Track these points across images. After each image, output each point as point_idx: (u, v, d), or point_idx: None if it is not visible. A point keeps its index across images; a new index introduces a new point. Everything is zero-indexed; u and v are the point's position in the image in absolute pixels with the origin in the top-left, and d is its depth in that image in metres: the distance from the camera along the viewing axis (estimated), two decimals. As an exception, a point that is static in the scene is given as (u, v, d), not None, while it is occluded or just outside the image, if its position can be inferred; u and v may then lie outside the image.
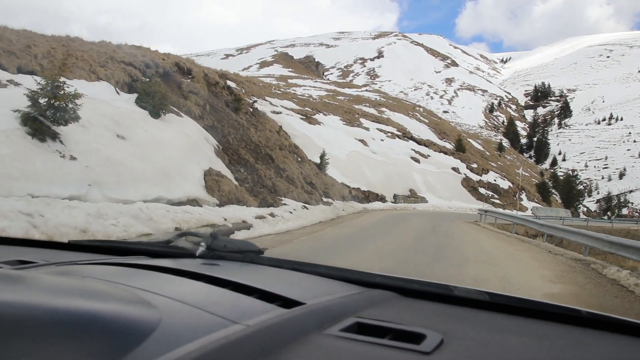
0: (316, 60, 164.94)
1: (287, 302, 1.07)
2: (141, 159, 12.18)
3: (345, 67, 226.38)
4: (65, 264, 1.41)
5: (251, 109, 30.81)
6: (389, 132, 50.70)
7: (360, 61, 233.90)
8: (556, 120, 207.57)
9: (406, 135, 52.27)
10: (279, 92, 48.23)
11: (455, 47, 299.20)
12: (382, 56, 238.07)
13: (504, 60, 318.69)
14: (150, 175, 11.85)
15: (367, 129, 49.31)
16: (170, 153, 13.59)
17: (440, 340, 0.91)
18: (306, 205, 18.82)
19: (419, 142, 52.60)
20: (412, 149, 49.22)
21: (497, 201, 49.79)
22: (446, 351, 0.88)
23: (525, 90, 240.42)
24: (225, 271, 1.42)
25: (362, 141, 44.77)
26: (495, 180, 53.11)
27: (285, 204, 17.42)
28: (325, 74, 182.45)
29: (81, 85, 13.72)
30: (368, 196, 36.88)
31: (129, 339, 0.74)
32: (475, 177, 51.31)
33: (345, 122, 48.33)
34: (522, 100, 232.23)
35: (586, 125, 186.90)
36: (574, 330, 1.09)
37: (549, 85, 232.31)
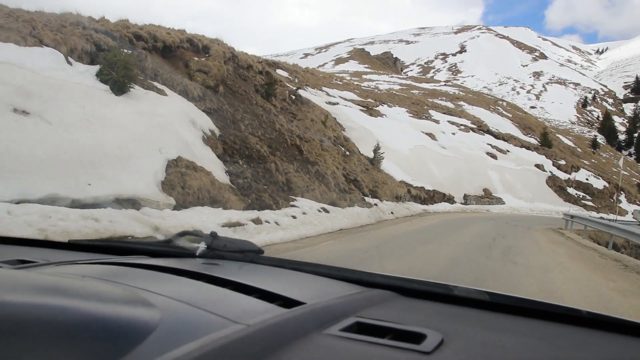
0: (394, 56, 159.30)
1: (287, 302, 1.05)
2: (53, 145, 8.55)
3: (425, 63, 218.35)
4: (65, 264, 1.40)
5: (293, 96, 26.97)
6: (462, 124, 45.29)
7: (441, 56, 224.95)
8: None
9: (482, 128, 46.55)
10: (339, 82, 44.33)
11: (544, 39, 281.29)
12: (465, 51, 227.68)
13: (600, 50, 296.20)
14: (54, 165, 8.16)
15: (436, 121, 44.21)
16: (113, 137, 9.94)
17: (440, 340, 0.90)
18: (327, 207, 14.65)
19: (497, 135, 46.69)
20: (488, 144, 43.53)
21: (590, 203, 43.06)
22: (446, 351, 0.87)
23: (625, 82, 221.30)
24: (226, 271, 1.42)
25: (429, 135, 39.80)
26: (587, 179, 46.18)
27: (295, 206, 13.37)
28: (404, 70, 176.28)
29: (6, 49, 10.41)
30: (433, 196, 32.05)
31: (129, 339, 0.73)
32: (563, 176, 44.73)
33: (412, 114, 43.51)
34: (621, 94, 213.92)
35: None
36: (575, 330, 1.07)
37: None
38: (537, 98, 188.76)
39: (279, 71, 35.55)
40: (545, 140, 50.91)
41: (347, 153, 25.84)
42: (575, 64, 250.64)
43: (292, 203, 13.57)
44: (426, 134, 39.92)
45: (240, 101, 18.71)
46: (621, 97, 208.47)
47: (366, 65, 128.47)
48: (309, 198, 15.04)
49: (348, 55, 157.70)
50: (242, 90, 19.82)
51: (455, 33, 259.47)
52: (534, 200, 39.00)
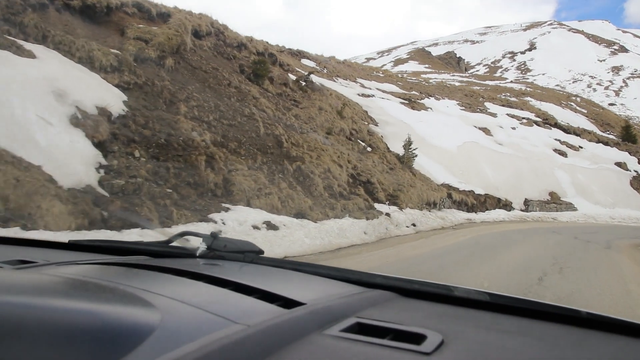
0: (458, 55, 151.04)
1: (287, 303, 1.05)
2: None
3: (492, 62, 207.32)
4: (65, 264, 1.40)
5: (303, 82, 21.99)
6: (524, 118, 38.64)
7: (509, 55, 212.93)
8: None
9: (548, 122, 39.64)
10: (380, 75, 39.05)
11: (624, 32, 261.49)
12: (535, 48, 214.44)
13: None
14: None
15: (493, 114, 37.85)
16: None
17: (440, 341, 0.89)
18: (283, 220, 9.57)
19: (567, 129, 39.60)
20: (556, 139, 36.66)
21: None
22: (446, 351, 0.86)
23: None
24: (226, 271, 1.42)
25: (483, 130, 33.61)
26: (681, 180, 38.17)
27: (213, 220, 8.36)
28: (469, 70, 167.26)
29: None
30: (484, 202, 26.06)
31: (130, 339, 0.73)
32: (651, 176, 37.04)
33: (463, 107, 37.44)
34: None
35: None
36: (574, 331, 1.07)
37: None
38: (617, 94, 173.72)
39: (305, 61, 30.68)
40: (628, 134, 43.04)
41: (369, 149, 20.53)
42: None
43: (211, 215, 8.55)
44: (480, 128, 33.75)
45: (201, 80, 13.91)
46: None
47: (426, 66, 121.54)
48: (259, 206, 9.99)
49: (408, 56, 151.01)
50: (209, 67, 15.00)
51: (524, 30, 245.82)
52: (615, 206, 31.89)
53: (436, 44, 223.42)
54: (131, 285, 1.06)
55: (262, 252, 1.75)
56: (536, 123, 38.36)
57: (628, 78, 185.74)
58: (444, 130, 31.47)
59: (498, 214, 25.38)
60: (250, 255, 1.68)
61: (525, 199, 28.42)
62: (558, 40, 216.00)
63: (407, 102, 33.70)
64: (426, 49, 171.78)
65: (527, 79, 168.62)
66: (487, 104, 39.99)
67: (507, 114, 38.70)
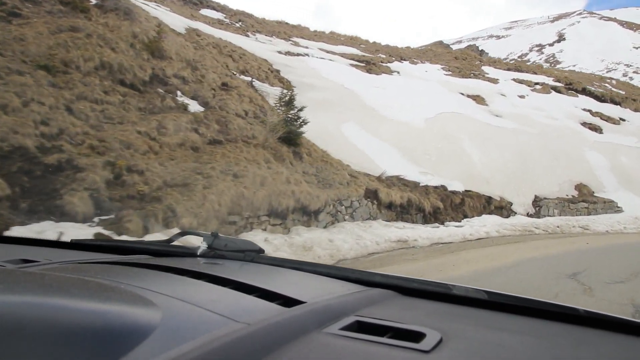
0: (480, 49, 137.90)
1: (287, 301, 1.03)
2: None
3: (519, 57, 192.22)
4: (67, 263, 1.38)
5: None
6: (537, 83, 26.98)
7: (536, 48, 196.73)
8: None
9: (573, 87, 27.81)
10: (340, 39, 28.27)
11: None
12: (564, 39, 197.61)
13: None
14: None
15: (493, 80, 26.41)
16: None
17: (439, 339, 0.88)
18: None
19: (602, 97, 27.62)
20: (585, 109, 24.89)
21: None
22: (445, 350, 0.85)
23: None
24: (226, 270, 1.39)
25: (475, 98, 22.30)
26: None
27: None
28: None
29: None
30: (461, 203, 14.99)
31: (131, 337, 0.72)
32: None
33: (450, 72, 26.11)
34: None
35: None
36: (573, 329, 1.05)
37: None
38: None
39: (205, 11, 20.08)
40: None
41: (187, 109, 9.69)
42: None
43: None
44: (469, 97, 22.43)
45: None
46: None
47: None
48: None
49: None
50: None
51: (552, 22, 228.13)
52: (681, 202, 20.05)
53: (460, 42, 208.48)
54: (132, 284, 1.04)
55: (262, 251, 1.70)
56: (555, 89, 26.65)
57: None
58: (413, 99, 20.35)
59: (483, 223, 14.16)
60: (251, 254, 1.63)
61: (536, 196, 16.99)
62: (588, 30, 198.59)
63: (362, 64, 22.69)
64: (442, 41, 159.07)
65: (557, 71, 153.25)
66: (485, 68, 28.54)
67: (514, 79, 27.13)
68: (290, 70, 19.11)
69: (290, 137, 11.52)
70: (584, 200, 17.63)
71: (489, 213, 15.60)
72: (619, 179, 19.65)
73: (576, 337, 1.02)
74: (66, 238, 4.92)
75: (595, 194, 18.45)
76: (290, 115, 11.72)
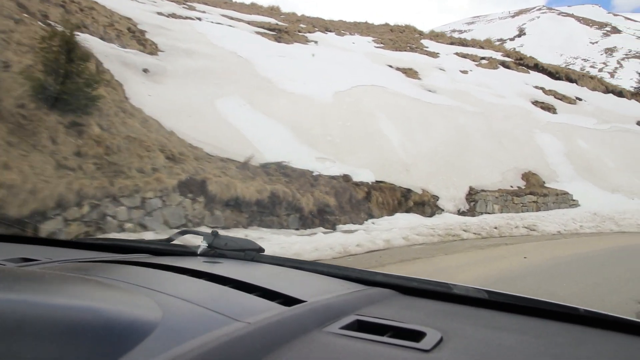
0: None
1: (287, 300, 1.01)
2: None
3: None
4: (67, 262, 1.37)
5: None
6: (483, 58, 23.13)
7: (497, 42, 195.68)
8: None
9: (524, 63, 24.05)
10: (260, 8, 24.08)
11: (615, 15, 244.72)
12: (524, 34, 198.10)
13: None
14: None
15: (432, 54, 22.50)
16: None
17: (439, 338, 0.87)
18: None
19: (557, 74, 23.93)
20: (537, 87, 21.12)
21: None
22: (445, 349, 0.84)
23: None
24: (227, 269, 1.36)
25: (406, 71, 18.29)
26: None
27: None
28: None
29: None
30: (366, 198, 10.76)
31: (131, 336, 0.71)
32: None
33: (381, 45, 22.04)
34: None
35: None
36: (572, 328, 1.04)
37: None
38: (612, 76, 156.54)
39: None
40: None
41: None
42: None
43: None
44: (399, 69, 18.37)
45: None
46: None
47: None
48: None
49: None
50: None
51: (513, 17, 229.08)
52: (649, 194, 16.43)
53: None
54: (133, 283, 1.03)
55: (262, 250, 1.65)
56: (503, 64, 22.82)
57: (622, 59, 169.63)
58: (326, 70, 16.21)
59: (391, 225, 10.28)
60: (251, 253, 1.58)
61: (471, 188, 13.04)
62: (548, 25, 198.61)
63: (272, 32, 18.44)
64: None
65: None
66: (425, 42, 24.60)
67: (457, 53, 23.22)
68: (164, 32, 14.75)
69: (70, 103, 7.17)
70: (532, 192, 13.76)
71: (406, 211, 11.58)
72: (576, 167, 15.89)
73: (576, 336, 1.00)
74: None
75: (546, 185, 14.63)
76: (71, 69, 7.33)
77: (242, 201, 8.23)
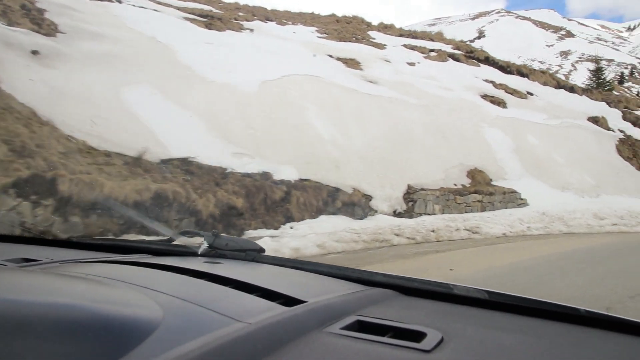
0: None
1: (288, 301, 1.01)
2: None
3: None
4: (68, 262, 1.36)
5: None
6: (432, 50, 21.98)
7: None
8: None
9: (474, 56, 23.03)
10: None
11: (569, 20, 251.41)
12: (484, 36, 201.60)
13: (631, 27, 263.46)
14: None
15: (379, 45, 21.21)
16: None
17: (440, 339, 0.86)
18: None
19: (508, 68, 22.97)
20: (487, 80, 20.06)
21: None
22: (446, 349, 0.83)
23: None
24: (227, 269, 1.34)
25: (347, 61, 16.90)
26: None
27: None
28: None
29: None
30: (285, 199, 9.23)
31: (132, 337, 0.70)
32: (647, 138, 20.93)
33: (325, 35, 20.62)
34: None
35: None
36: (573, 329, 1.03)
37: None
38: (567, 78, 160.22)
39: None
40: (600, 78, 27.06)
41: None
42: (606, 41, 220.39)
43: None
44: (339, 59, 16.96)
45: None
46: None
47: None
48: None
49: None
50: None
51: (473, 19, 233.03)
52: (600, 191, 15.51)
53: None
54: (134, 283, 1.02)
55: (263, 250, 1.63)
56: (453, 57, 21.68)
57: (576, 62, 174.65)
58: (257, 59, 14.64)
59: (311, 230, 8.82)
60: (252, 253, 1.57)
61: (410, 187, 11.70)
62: (506, 28, 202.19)
63: (202, 19, 16.77)
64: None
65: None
66: (373, 33, 23.29)
67: (405, 45, 21.97)
68: (70, 13, 12.94)
69: None
70: (477, 191, 12.52)
71: (333, 212, 10.14)
72: (525, 164, 14.79)
73: (577, 336, 1.00)
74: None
75: (493, 183, 13.44)
76: None
77: (114, 204, 6.58)
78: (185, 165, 9.25)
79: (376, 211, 10.74)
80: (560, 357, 0.87)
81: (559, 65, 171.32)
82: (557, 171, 15.29)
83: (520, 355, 0.86)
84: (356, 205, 10.56)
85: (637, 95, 40.29)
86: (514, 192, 13.24)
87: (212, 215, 8.22)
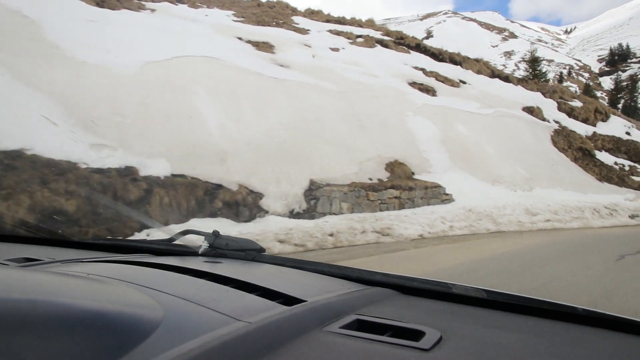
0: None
1: (288, 300, 1.01)
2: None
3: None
4: (70, 262, 1.32)
5: None
6: (360, 36, 20.36)
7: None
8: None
9: (405, 43, 21.58)
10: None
11: (512, 22, 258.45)
12: (432, 36, 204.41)
13: (568, 30, 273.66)
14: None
15: (302, 30, 19.46)
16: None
17: (439, 337, 0.86)
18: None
19: (440, 56, 21.61)
20: (417, 68, 18.59)
21: None
22: (445, 348, 0.83)
23: (599, 56, 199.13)
24: (228, 269, 1.31)
25: (258, 44, 14.95)
26: (629, 135, 21.39)
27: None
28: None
29: None
30: (143, 200, 7.09)
31: (133, 336, 0.71)
32: (583, 130, 20.01)
33: (241, 19, 18.64)
34: (596, 67, 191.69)
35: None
36: (571, 327, 1.03)
37: (627, 47, 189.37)
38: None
39: None
40: (536, 68, 26.23)
41: None
42: (546, 42, 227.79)
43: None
44: (250, 42, 15.02)
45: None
46: (596, 71, 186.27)
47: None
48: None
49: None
50: None
51: (421, 20, 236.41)
52: (533, 184, 14.19)
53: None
54: (134, 282, 1.01)
55: (263, 250, 1.62)
56: (381, 43, 20.12)
57: (520, 62, 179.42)
58: (149, 39, 12.53)
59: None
60: (252, 253, 1.55)
61: (312, 182, 9.88)
62: (453, 28, 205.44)
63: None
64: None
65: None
66: (297, 19, 21.49)
67: (330, 31, 20.26)
68: None
69: None
70: (395, 186, 10.83)
71: (212, 214, 8.25)
72: (453, 155, 13.26)
73: (574, 335, 0.99)
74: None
75: (415, 177, 11.80)
76: None
77: None
78: (10, 159, 7.10)
79: (267, 211, 8.86)
80: (558, 355, 0.86)
81: (503, 65, 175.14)
82: (488, 163, 13.85)
83: (518, 354, 0.85)
84: (241, 204, 8.64)
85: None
86: (438, 186, 11.64)
87: (25, 224, 6.13)
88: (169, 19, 15.15)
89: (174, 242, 1.69)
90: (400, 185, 10.88)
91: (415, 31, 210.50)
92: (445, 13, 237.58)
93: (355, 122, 12.38)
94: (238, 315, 0.84)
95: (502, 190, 12.84)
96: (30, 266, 1.22)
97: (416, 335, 0.86)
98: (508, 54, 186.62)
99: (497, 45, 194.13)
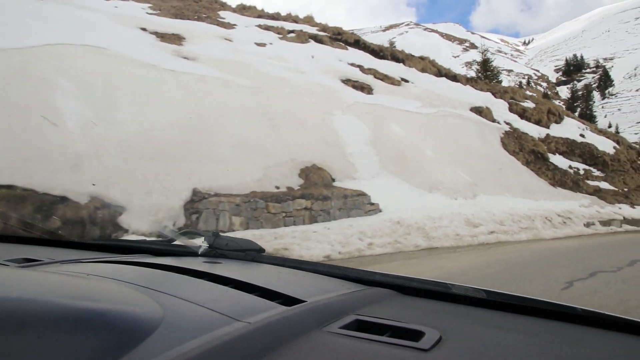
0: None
1: (287, 300, 1.00)
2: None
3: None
4: (70, 262, 1.30)
5: None
6: (292, 31, 18.67)
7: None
8: (596, 92, 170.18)
9: (341, 38, 19.94)
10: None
11: (472, 33, 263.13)
12: (394, 47, 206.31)
13: (526, 42, 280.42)
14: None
15: (227, 25, 17.68)
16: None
17: (438, 338, 0.85)
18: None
19: (380, 53, 20.00)
20: (352, 64, 16.92)
21: (606, 185, 17.33)
22: (444, 348, 0.82)
23: (555, 66, 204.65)
24: (227, 269, 1.32)
25: (165, 36, 12.99)
26: (583, 137, 20.18)
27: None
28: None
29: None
30: None
31: (133, 336, 0.70)
32: (536, 132, 18.68)
33: (157, 12, 16.70)
34: (553, 77, 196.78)
35: (637, 91, 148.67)
36: (570, 328, 1.02)
37: (581, 57, 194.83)
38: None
39: None
40: (487, 68, 25.13)
41: None
42: (506, 53, 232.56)
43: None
44: (156, 33, 13.04)
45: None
46: (554, 80, 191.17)
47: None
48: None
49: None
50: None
51: (384, 31, 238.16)
52: (477, 191, 12.54)
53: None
54: (134, 282, 1.01)
55: (263, 250, 1.62)
56: (315, 38, 18.45)
57: (479, 71, 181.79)
58: (13, 25, 10.34)
59: None
60: (252, 253, 1.55)
61: (196, 191, 7.83)
62: (415, 39, 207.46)
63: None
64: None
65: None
66: (224, 13, 19.62)
67: (259, 26, 18.49)
68: None
69: None
70: (305, 195, 8.96)
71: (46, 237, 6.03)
72: (384, 158, 11.51)
73: (574, 335, 0.99)
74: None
75: (336, 183, 9.98)
76: None
77: None
78: None
79: (127, 230, 6.85)
80: (558, 355, 0.86)
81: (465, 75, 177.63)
82: (426, 168, 12.15)
83: (518, 354, 0.84)
84: (89, 223, 6.61)
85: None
86: (362, 194, 9.83)
87: (24, 223, 4.01)
88: (61, 7, 13.04)
89: (174, 243, 1.69)
90: (313, 195, 9.02)
91: (378, 42, 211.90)
92: (408, 24, 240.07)
93: (266, 121, 10.52)
94: (238, 316, 0.83)
95: (440, 198, 11.14)
96: (30, 266, 1.19)
97: (416, 335, 0.85)
98: (469, 64, 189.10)
99: (458, 56, 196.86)
